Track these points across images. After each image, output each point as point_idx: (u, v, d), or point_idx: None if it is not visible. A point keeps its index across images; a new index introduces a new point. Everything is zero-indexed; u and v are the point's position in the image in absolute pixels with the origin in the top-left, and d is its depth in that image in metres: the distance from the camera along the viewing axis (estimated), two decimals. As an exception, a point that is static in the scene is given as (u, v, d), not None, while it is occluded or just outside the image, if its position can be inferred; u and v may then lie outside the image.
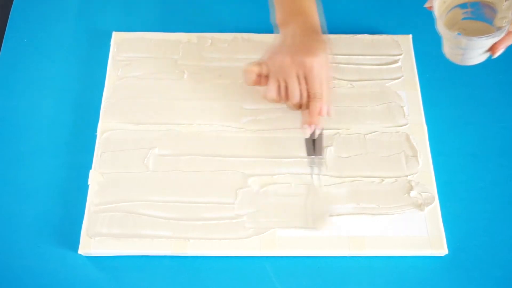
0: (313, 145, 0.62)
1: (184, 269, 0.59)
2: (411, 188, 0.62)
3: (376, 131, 0.66)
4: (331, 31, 0.73)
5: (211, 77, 0.69)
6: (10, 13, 0.76)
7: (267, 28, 0.74)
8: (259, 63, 0.61)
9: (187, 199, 0.61)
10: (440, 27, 0.53)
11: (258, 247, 0.59)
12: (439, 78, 0.72)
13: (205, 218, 0.60)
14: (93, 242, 0.58)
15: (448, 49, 0.55)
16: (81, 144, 0.65)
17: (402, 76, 0.70)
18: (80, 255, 0.59)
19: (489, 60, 0.72)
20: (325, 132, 0.66)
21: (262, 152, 0.64)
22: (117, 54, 0.71)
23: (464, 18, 0.56)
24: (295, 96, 0.59)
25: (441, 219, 0.61)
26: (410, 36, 0.73)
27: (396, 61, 0.71)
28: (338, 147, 0.65)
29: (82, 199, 0.61)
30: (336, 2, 0.78)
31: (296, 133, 0.65)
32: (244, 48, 0.72)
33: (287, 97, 0.60)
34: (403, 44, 0.72)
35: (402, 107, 0.67)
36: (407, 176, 0.63)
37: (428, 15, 0.77)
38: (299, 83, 0.58)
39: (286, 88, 0.59)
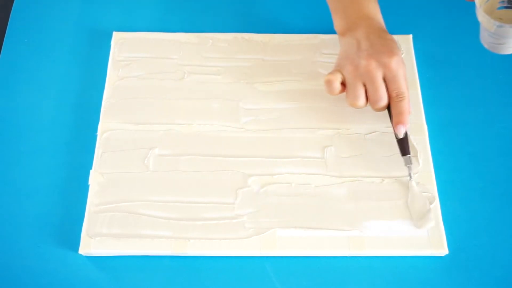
0: (403, 145, 0.62)
1: (184, 269, 0.59)
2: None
3: (376, 131, 0.66)
4: (331, 31, 0.73)
5: (211, 77, 0.69)
6: (11, 13, 0.76)
7: (267, 28, 0.74)
8: (336, 72, 0.61)
9: (187, 199, 0.61)
10: (482, 15, 0.53)
11: (258, 247, 0.59)
12: (439, 78, 0.72)
13: (205, 218, 0.60)
14: (94, 242, 0.59)
15: (488, 38, 0.55)
16: (81, 144, 0.65)
17: None
18: (81, 255, 0.59)
19: (489, 60, 0.73)
20: (325, 132, 0.66)
21: (262, 152, 0.64)
22: (117, 54, 0.71)
23: (500, 7, 0.56)
24: (382, 99, 0.59)
25: (441, 219, 0.60)
26: (410, 36, 0.73)
27: None
28: (338, 147, 0.65)
29: (82, 199, 0.61)
30: (336, 2, 0.78)
31: (296, 133, 0.65)
32: (244, 48, 0.72)
33: (374, 101, 0.60)
34: (403, 44, 0.72)
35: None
36: (407, 176, 0.63)
37: (428, 15, 0.77)
38: (385, 85, 0.59)
39: (371, 91, 0.59)
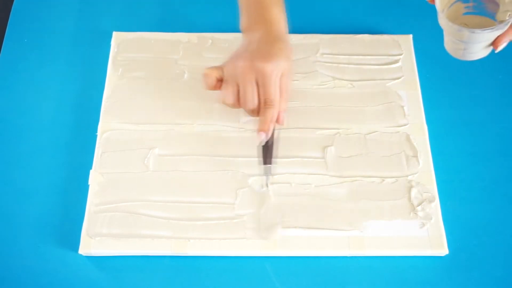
0: (265, 153, 0.61)
1: (184, 269, 0.59)
2: (411, 188, 0.62)
3: (376, 131, 0.66)
4: (331, 31, 0.73)
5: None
6: (11, 13, 0.76)
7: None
8: (219, 68, 0.60)
9: (187, 199, 0.61)
10: (443, 20, 0.52)
11: (258, 247, 0.59)
12: (439, 78, 0.72)
13: (205, 218, 0.60)
14: (94, 242, 0.58)
15: (450, 44, 0.55)
16: (81, 144, 0.65)
17: (402, 76, 0.70)
18: (81, 255, 0.59)
19: (489, 60, 0.72)
20: (325, 132, 0.66)
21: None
22: (117, 54, 0.71)
23: (465, 13, 0.55)
24: (249, 102, 0.58)
25: (441, 219, 0.60)
26: (410, 36, 0.73)
27: (396, 61, 0.71)
28: (338, 147, 0.65)
29: (82, 199, 0.61)
30: (336, 2, 0.78)
31: (296, 133, 0.65)
32: (244, 48, 0.72)
33: (242, 103, 0.59)
34: (403, 44, 0.72)
35: (402, 107, 0.67)
36: (407, 176, 0.63)
37: (428, 14, 0.77)
38: (256, 89, 0.58)
39: (241, 93, 0.59)
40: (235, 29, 0.73)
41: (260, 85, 0.58)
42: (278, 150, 0.63)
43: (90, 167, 0.63)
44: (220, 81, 0.60)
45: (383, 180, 0.63)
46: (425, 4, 0.79)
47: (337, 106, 0.67)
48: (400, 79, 0.70)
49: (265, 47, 0.58)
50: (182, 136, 0.65)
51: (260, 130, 0.59)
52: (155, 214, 0.60)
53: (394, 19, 0.76)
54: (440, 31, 0.75)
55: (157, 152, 0.64)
